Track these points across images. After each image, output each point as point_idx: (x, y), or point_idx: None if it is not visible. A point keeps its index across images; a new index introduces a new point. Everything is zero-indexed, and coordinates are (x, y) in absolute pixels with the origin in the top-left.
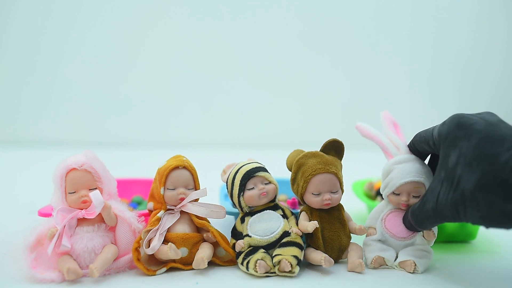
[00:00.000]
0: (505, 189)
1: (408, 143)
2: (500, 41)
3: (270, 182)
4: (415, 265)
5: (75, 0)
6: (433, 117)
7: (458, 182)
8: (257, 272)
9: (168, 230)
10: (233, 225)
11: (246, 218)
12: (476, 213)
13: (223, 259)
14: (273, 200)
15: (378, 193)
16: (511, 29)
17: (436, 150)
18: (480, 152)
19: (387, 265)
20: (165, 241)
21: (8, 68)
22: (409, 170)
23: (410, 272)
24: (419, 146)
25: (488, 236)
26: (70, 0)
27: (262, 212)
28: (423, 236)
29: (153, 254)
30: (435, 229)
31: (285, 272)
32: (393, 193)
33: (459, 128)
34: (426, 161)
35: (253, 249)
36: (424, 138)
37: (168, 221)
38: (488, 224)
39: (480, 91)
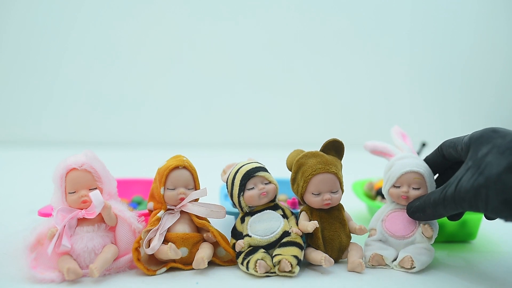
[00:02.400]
0: None
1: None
2: (500, 41)
3: (270, 182)
4: (413, 260)
5: (76, 0)
6: (433, 117)
7: (485, 167)
8: (257, 272)
9: (168, 230)
10: (233, 225)
11: (246, 218)
12: (499, 196)
13: (223, 259)
14: (273, 200)
15: (378, 193)
16: (511, 30)
17: (462, 156)
18: None
19: (385, 263)
20: (165, 241)
21: (9, 68)
22: (409, 163)
23: (408, 268)
24: (446, 151)
25: (488, 236)
26: (72, 1)
27: (262, 212)
28: (422, 233)
29: (153, 254)
30: (435, 227)
31: (285, 272)
32: (394, 186)
33: (494, 132)
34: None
35: (253, 249)
36: (453, 143)
37: (168, 221)
38: (506, 210)
39: (480, 91)
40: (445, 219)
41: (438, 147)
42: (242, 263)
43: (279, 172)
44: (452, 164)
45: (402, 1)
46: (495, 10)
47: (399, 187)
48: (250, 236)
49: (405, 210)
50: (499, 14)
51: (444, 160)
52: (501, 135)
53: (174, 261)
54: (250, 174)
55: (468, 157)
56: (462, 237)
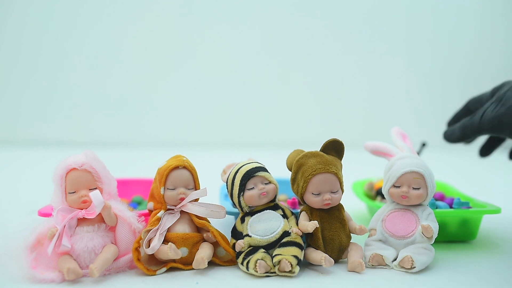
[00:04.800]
0: None
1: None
2: (499, 40)
3: (270, 182)
4: (413, 260)
5: (78, 1)
6: (433, 118)
7: (506, 100)
8: (257, 272)
9: (168, 230)
10: (233, 225)
11: (246, 218)
12: None
13: (223, 259)
14: (273, 200)
15: (378, 193)
16: (510, 29)
17: (485, 103)
18: None
19: (385, 263)
20: (165, 241)
21: (10, 68)
22: (409, 163)
23: (408, 268)
24: (473, 106)
25: (488, 236)
26: (73, 1)
27: (262, 212)
28: (422, 233)
29: (153, 254)
30: (436, 228)
31: (285, 272)
32: (394, 186)
33: (509, 81)
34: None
35: (253, 249)
36: (478, 98)
37: (168, 221)
38: None
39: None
40: (445, 219)
41: (465, 104)
42: (242, 263)
43: (279, 172)
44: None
45: (398, 0)
46: (494, 8)
47: (399, 187)
48: (250, 236)
49: (405, 210)
50: (498, 12)
51: (466, 112)
52: (509, 90)
53: (174, 261)
54: (250, 174)
55: (493, 96)
56: (462, 237)
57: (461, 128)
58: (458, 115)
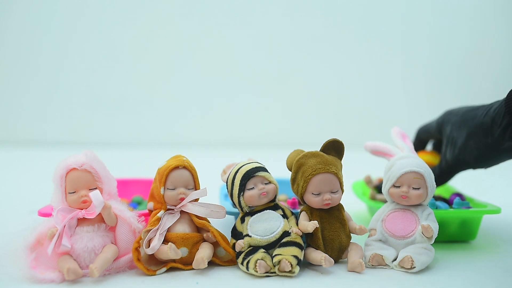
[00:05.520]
0: (485, 129)
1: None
2: (498, 40)
3: (270, 182)
4: (413, 260)
5: (79, 2)
6: (431, 116)
7: (455, 141)
8: (257, 272)
9: (168, 230)
10: (233, 225)
11: (246, 218)
12: (471, 155)
13: (223, 259)
14: (273, 200)
15: (377, 188)
16: (508, 28)
17: (434, 135)
18: (464, 118)
19: (385, 263)
20: (165, 241)
21: (11, 68)
22: (409, 163)
23: (408, 268)
24: (423, 135)
25: (488, 236)
26: (75, 1)
27: (262, 212)
28: (422, 233)
29: (153, 254)
30: (436, 228)
31: (285, 272)
32: (394, 186)
33: (449, 113)
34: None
35: (253, 249)
36: (425, 127)
37: (168, 221)
38: (479, 162)
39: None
40: (445, 219)
41: (416, 134)
42: (242, 263)
43: (279, 172)
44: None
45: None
46: (491, 8)
47: (399, 187)
48: (250, 236)
49: (405, 210)
50: (496, 12)
51: (422, 143)
52: (454, 113)
53: (174, 261)
54: (250, 174)
55: (444, 137)
56: (462, 237)
57: (437, 177)
58: (415, 146)
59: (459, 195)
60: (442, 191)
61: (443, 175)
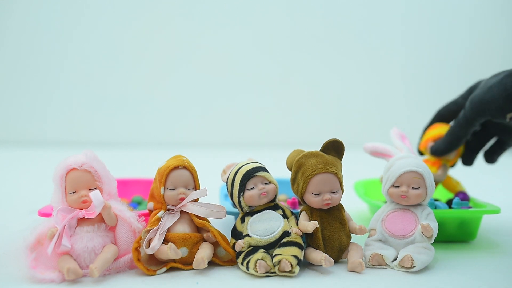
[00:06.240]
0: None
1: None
2: (497, 40)
3: (270, 182)
4: (412, 260)
5: (79, 2)
6: (429, 114)
7: (486, 83)
8: (257, 272)
9: (168, 230)
10: (233, 225)
11: (246, 218)
12: (502, 93)
13: (223, 259)
14: (273, 200)
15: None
16: (508, 28)
17: (460, 105)
18: (499, 72)
19: (385, 263)
20: (165, 241)
21: (11, 68)
22: (408, 162)
23: (408, 267)
24: (444, 110)
25: (488, 236)
26: (75, 1)
27: (262, 212)
28: (422, 233)
29: (153, 254)
30: (435, 227)
31: (285, 272)
32: (393, 186)
33: (478, 82)
34: None
35: (253, 249)
36: (448, 104)
37: (168, 221)
38: (508, 104)
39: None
40: (445, 219)
41: (439, 109)
42: (242, 263)
43: (279, 172)
44: None
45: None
46: (491, 8)
47: (398, 186)
48: (250, 236)
49: (405, 210)
50: (496, 12)
51: (440, 118)
52: (482, 83)
53: (174, 261)
54: (250, 174)
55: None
56: (462, 237)
57: (449, 134)
58: (433, 121)
59: (463, 194)
60: (440, 195)
61: (456, 129)
